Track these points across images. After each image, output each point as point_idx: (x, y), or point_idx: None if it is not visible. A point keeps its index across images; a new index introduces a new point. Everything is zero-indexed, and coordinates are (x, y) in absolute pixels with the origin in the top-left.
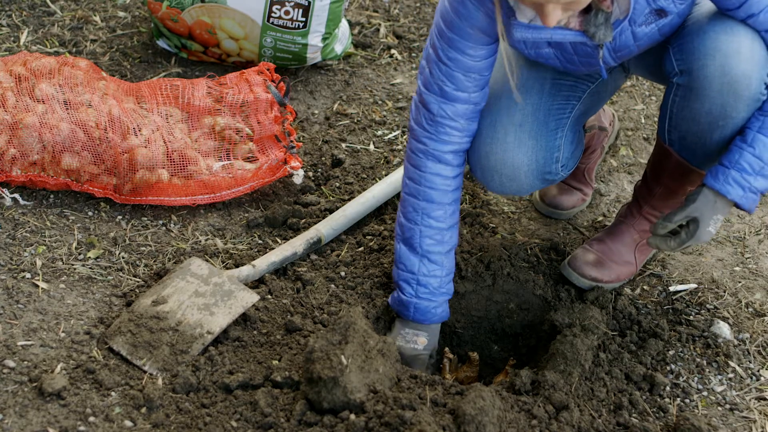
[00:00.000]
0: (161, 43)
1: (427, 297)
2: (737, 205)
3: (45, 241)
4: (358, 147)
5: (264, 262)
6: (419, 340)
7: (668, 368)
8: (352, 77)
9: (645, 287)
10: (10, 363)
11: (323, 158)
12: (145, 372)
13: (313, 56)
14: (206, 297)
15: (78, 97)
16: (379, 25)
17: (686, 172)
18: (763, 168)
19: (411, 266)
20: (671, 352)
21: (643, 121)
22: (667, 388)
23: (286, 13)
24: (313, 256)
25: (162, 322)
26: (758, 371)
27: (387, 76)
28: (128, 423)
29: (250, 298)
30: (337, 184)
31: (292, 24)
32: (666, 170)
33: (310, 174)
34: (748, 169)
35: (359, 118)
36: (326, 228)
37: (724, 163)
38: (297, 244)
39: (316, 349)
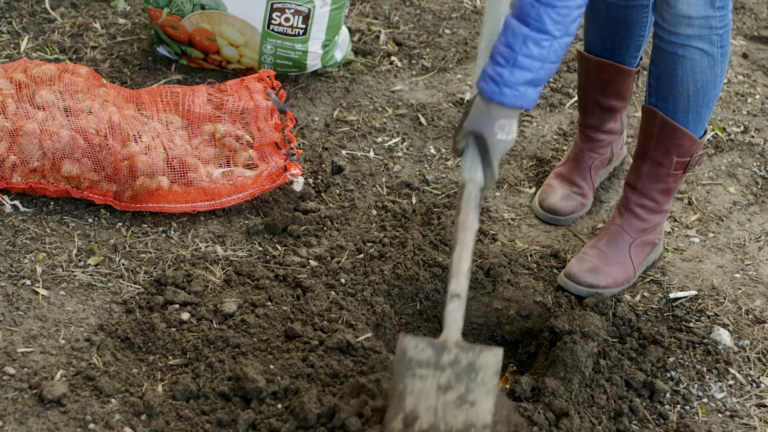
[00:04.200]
0: (161, 50)
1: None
2: (503, 104)
3: (45, 248)
4: (359, 154)
5: (461, 281)
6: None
7: (668, 375)
8: (352, 84)
9: (645, 294)
10: (10, 370)
11: (323, 165)
12: None
13: (313, 63)
14: (453, 388)
15: (78, 104)
16: (379, 32)
17: (669, 135)
18: (515, 58)
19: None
20: (671, 359)
21: None
22: (668, 395)
23: (287, 20)
24: (313, 263)
25: None
26: (758, 378)
27: (387, 83)
28: (128, 430)
29: (494, 356)
30: (338, 191)
31: (292, 31)
32: (651, 138)
33: (310, 181)
34: (501, 61)
35: (359, 125)
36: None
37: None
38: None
39: None
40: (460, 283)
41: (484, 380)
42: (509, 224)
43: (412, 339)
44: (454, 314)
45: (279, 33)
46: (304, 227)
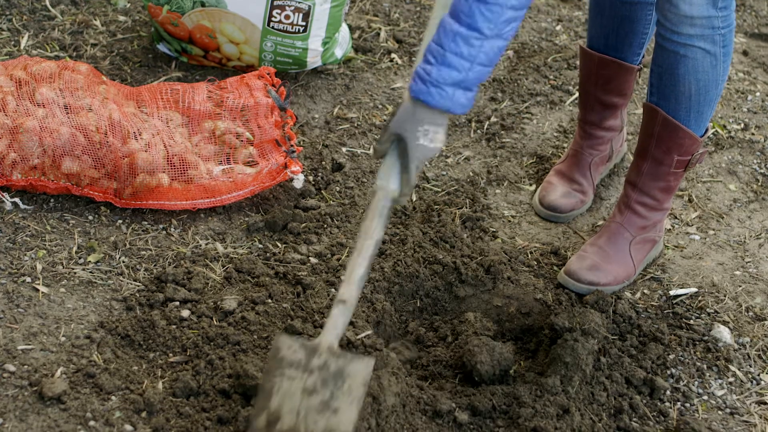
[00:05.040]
0: (161, 47)
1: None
2: (429, 104)
3: (45, 245)
4: (359, 151)
5: (351, 288)
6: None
7: (668, 372)
8: (352, 81)
9: (645, 291)
10: (11, 367)
11: (323, 162)
12: None
13: (314, 60)
14: (318, 392)
15: (78, 101)
16: (380, 29)
17: (670, 134)
18: (443, 55)
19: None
20: (671, 356)
21: None
22: (668, 392)
23: (287, 17)
24: (313, 260)
25: None
26: (758, 375)
27: (387, 80)
28: (128, 427)
29: (365, 368)
30: (338, 189)
31: (292, 28)
32: (651, 137)
33: (311, 178)
34: (430, 59)
35: (359, 123)
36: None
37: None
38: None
39: None
40: (349, 289)
41: (350, 389)
42: (509, 221)
43: (287, 339)
44: (336, 319)
45: (279, 30)
46: (304, 224)
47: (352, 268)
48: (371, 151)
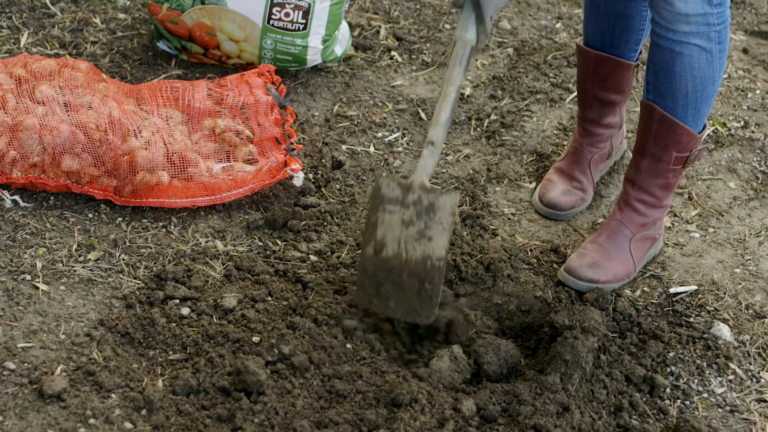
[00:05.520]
0: (161, 45)
1: None
2: None
3: (45, 243)
4: (359, 149)
5: (438, 129)
6: None
7: (668, 370)
8: (352, 79)
9: (645, 289)
10: (10, 365)
11: (323, 160)
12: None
13: (313, 58)
14: (415, 222)
15: (78, 99)
16: (380, 27)
17: (668, 131)
18: None
19: None
20: (671, 354)
21: None
22: (668, 389)
23: (287, 15)
24: (314, 258)
25: (393, 271)
26: (758, 373)
27: (387, 78)
28: (128, 425)
29: (452, 199)
30: (338, 186)
31: (292, 26)
32: (649, 134)
33: (311, 176)
34: None
35: (359, 120)
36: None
37: None
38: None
39: None
40: (436, 131)
41: (441, 219)
42: (509, 219)
43: (386, 179)
44: (426, 159)
45: (279, 28)
46: (304, 222)
47: (438, 113)
48: (448, 3)
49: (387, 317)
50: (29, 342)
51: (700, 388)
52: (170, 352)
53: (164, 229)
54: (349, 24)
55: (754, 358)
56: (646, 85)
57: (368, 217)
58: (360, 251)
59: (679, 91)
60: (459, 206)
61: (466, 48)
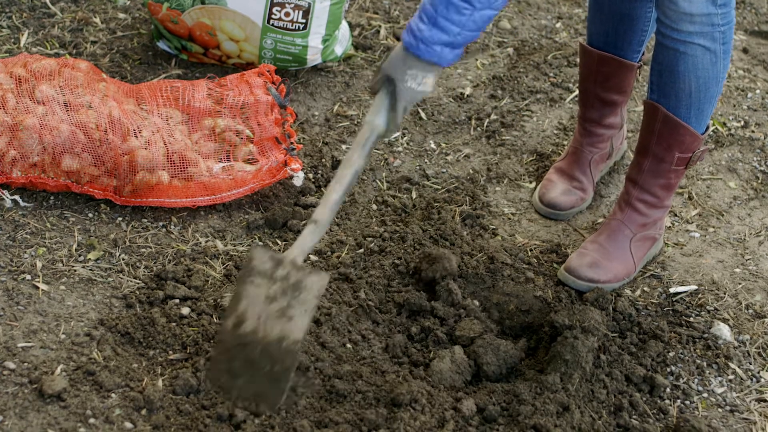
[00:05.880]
0: (161, 45)
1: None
2: (418, 56)
3: (45, 242)
4: None
5: (324, 210)
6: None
7: (668, 370)
8: (352, 79)
9: (645, 289)
10: (10, 365)
11: (323, 160)
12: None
13: (314, 58)
14: (278, 299)
15: (78, 98)
16: (380, 26)
17: (671, 131)
18: (435, 18)
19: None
20: (671, 354)
21: None
22: (668, 389)
23: (287, 14)
24: (313, 257)
25: (248, 348)
26: (758, 373)
27: None
28: (128, 425)
29: (320, 280)
30: None
31: (292, 26)
32: (652, 134)
33: (310, 176)
34: (423, 18)
35: (359, 120)
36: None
37: None
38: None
39: None
40: (323, 211)
41: (305, 300)
42: (509, 219)
43: (260, 250)
44: (305, 237)
45: (279, 28)
46: (304, 222)
47: (329, 193)
48: (368, 89)
49: (232, 402)
50: (29, 342)
51: (700, 388)
52: (170, 352)
53: (164, 229)
54: (349, 24)
55: (754, 358)
56: (650, 85)
57: (235, 288)
58: (221, 322)
59: (683, 91)
60: (459, 206)
61: (372, 133)
